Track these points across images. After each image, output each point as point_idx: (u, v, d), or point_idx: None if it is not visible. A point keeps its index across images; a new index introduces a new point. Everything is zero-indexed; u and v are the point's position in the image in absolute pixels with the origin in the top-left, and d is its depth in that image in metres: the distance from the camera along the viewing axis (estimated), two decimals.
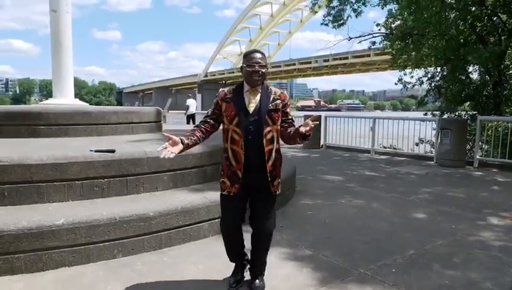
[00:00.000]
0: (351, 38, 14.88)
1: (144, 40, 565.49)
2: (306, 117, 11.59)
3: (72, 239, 3.14)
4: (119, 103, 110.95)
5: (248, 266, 2.91)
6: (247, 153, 2.57)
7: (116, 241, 3.32)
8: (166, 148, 2.48)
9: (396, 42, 13.60)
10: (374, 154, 10.12)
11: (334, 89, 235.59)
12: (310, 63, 65.57)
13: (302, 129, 2.44)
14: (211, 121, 2.70)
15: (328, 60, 61.35)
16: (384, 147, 10.79)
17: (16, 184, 3.44)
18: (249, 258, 2.90)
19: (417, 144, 11.14)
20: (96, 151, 3.80)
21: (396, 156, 9.86)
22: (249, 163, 2.58)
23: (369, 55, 52.49)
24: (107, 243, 3.28)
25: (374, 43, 15.08)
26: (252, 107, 2.59)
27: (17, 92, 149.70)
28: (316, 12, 16.61)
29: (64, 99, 6.11)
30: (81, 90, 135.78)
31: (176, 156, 4.12)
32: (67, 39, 6.24)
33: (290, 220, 4.44)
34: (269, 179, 2.61)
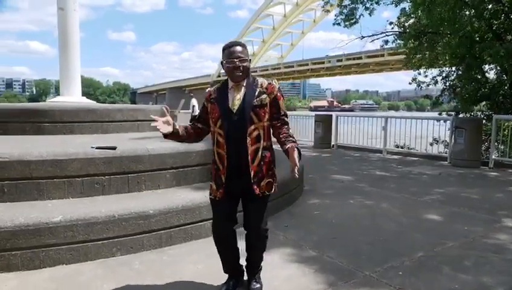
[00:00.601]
0: (364, 37, 14.64)
1: (157, 41, 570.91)
2: (317, 117, 11.35)
3: (69, 237, 3.09)
4: (133, 103, 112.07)
5: (244, 270, 2.80)
6: (229, 156, 2.41)
7: (115, 240, 3.26)
8: (157, 121, 2.40)
9: (410, 41, 13.34)
10: (386, 154, 9.92)
11: (347, 89, 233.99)
12: (323, 63, 65.19)
13: (290, 167, 2.28)
14: (199, 125, 2.57)
15: (341, 60, 60.91)
16: (397, 147, 10.53)
17: (16, 180, 3.40)
18: (244, 270, 2.79)
19: (431, 144, 10.87)
20: (97, 148, 3.75)
21: (409, 156, 9.64)
22: (231, 166, 2.43)
23: (383, 55, 51.96)
24: (105, 241, 3.22)
25: (386, 42, 14.78)
26: (236, 105, 2.41)
27: (34, 92, 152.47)
28: (328, 11, 16.45)
29: (71, 97, 6.11)
30: (96, 90, 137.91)
31: (178, 153, 4.08)
32: (75, 37, 6.24)
33: (295, 219, 4.32)
34: (253, 181, 2.42)
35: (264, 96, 2.43)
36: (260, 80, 2.48)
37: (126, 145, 4.00)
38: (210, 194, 2.57)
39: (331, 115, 12.23)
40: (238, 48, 2.39)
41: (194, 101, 18.43)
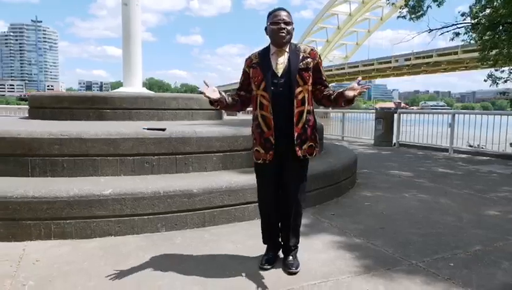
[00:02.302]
0: (432, 30, 13.76)
1: (223, 43, 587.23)
2: (378, 113, 10.92)
3: (118, 209, 3.25)
4: None
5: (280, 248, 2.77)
6: (276, 117, 2.44)
7: (160, 216, 3.37)
8: (205, 89, 2.43)
9: (485, 33, 12.31)
10: (452, 153, 9.25)
11: (416, 90, 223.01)
12: (390, 62, 62.72)
13: (350, 93, 2.31)
14: (242, 93, 2.62)
15: (409, 59, 58.20)
16: (471, 146, 9.68)
17: (74, 157, 3.65)
18: (281, 244, 2.77)
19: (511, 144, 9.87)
20: (148, 129, 3.90)
21: (479, 155, 8.91)
22: (279, 127, 2.46)
23: (456, 53, 48.89)
24: (151, 216, 3.34)
25: (457, 34, 13.78)
26: (280, 69, 2.45)
27: None
28: (393, 4, 15.73)
29: (132, 88, 6.44)
30: (165, 92, 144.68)
31: (225, 137, 4.13)
32: (137, 30, 6.57)
33: (343, 209, 4.17)
34: (296, 142, 2.46)
35: (309, 60, 2.49)
36: (302, 46, 2.55)
37: (175, 127, 4.12)
38: (257, 160, 2.58)
39: (393, 111, 11.69)
40: (283, 12, 2.44)
41: None
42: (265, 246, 2.80)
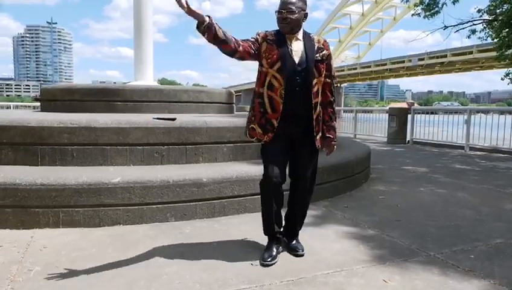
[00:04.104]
0: (447, 27, 13.49)
1: None
2: (391, 110, 10.71)
3: (127, 198, 3.19)
4: None
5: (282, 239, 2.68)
6: (287, 102, 2.36)
7: (169, 205, 3.30)
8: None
9: (503, 30, 12.00)
10: (468, 150, 9.04)
11: (429, 90, 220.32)
12: (403, 62, 61.83)
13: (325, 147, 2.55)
14: (244, 43, 2.29)
15: (423, 59, 57.28)
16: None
17: (83, 146, 3.61)
18: (283, 232, 2.67)
19: None
20: (157, 118, 3.85)
21: (496, 153, 8.68)
22: (287, 113, 2.37)
23: (471, 52, 48.03)
24: (160, 206, 3.28)
25: (474, 31, 13.48)
26: (296, 56, 2.37)
27: None
28: (408, 1, 15.46)
29: (144, 81, 6.41)
30: None
31: (236, 127, 4.04)
32: (149, 24, 6.54)
33: (357, 202, 4.06)
34: (315, 133, 2.45)
35: (324, 52, 2.44)
36: (316, 37, 2.47)
37: (185, 117, 4.06)
38: (252, 137, 2.51)
39: (407, 108, 11.49)
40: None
41: None
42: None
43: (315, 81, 2.39)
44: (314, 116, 2.42)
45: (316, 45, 2.42)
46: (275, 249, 2.55)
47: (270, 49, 2.37)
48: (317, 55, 2.40)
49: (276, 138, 2.41)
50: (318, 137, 2.48)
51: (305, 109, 2.40)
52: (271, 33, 2.42)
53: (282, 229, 2.67)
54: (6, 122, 3.61)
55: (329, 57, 2.48)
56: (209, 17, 2.17)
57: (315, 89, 2.40)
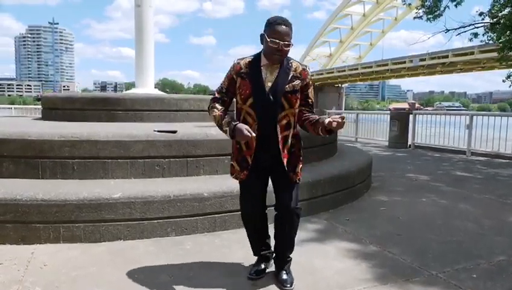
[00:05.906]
0: (448, 30, 13.44)
1: (236, 44, 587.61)
2: (392, 114, 10.73)
3: (127, 213, 3.19)
4: None
5: (272, 257, 2.64)
6: (261, 137, 2.25)
7: (170, 220, 3.30)
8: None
9: (505, 33, 11.97)
10: (470, 155, 9.02)
11: (431, 90, 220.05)
12: (404, 62, 61.69)
13: (332, 124, 2.11)
14: (226, 99, 2.38)
15: (424, 60, 57.15)
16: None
17: (85, 159, 3.60)
18: (273, 251, 2.63)
19: None
20: (159, 131, 3.84)
21: (498, 158, 8.65)
22: (261, 148, 2.29)
23: (472, 53, 47.89)
24: (160, 221, 3.27)
25: (476, 34, 13.42)
26: (267, 87, 2.25)
27: None
28: (410, 4, 15.42)
29: (144, 89, 6.42)
30: (178, 92, 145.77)
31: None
32: (149, 32, 6.55)
33: (358, 214, 4.05)
34: (287, 168, 2.32)
35: (297, 82, 2.28)
36: (294, 64, 2.31)
37: (186, 130, 4.06)
38: (231, 174, 2.47)
39: (408, 113, 11.46)
40: (286, 29, 2.19)
41: None
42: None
43: (284, 113, 2.27)
44: (286, 151, 2.31)
45: (291, 74, 2.27)
46: (262, 265, 2.58)
47: (243, 84, 2.28)
48: (287, 86, 2.25)
49: (252, 173, 2.34)
50: (297, 170, 2.38)
51: (275, 143, 2.30)
52: (245, 63, 2.30)
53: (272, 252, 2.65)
54: (7, 136, 3.60)
55: (306, 86, 2.32)
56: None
57: (284, 121, 2.28)
